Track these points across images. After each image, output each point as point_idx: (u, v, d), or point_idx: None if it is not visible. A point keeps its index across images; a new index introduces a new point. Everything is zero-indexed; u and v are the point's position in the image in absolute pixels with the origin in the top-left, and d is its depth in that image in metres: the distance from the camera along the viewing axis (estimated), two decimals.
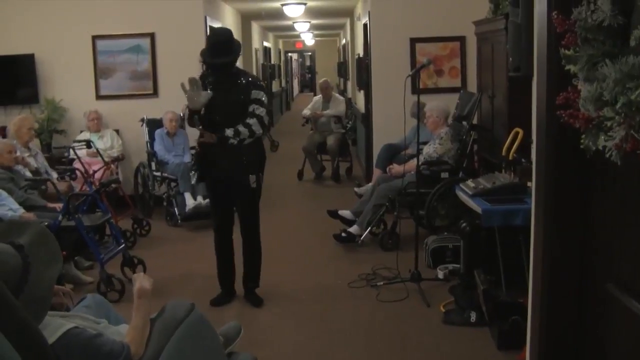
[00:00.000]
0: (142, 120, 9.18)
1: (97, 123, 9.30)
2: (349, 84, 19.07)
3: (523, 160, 5.29)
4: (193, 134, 9.41)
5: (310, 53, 39.66)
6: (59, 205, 6.59)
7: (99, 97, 9.75)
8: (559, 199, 3.08)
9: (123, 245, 6.57)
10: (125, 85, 9.77)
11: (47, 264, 2.74)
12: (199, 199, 8.62)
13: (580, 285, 3.13)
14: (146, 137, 9.19)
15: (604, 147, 2.29)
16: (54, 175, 7.61)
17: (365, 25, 10.90)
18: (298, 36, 28.97)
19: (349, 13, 16.66)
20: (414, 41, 9.39)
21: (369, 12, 9.87)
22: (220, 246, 5.98)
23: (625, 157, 2.20)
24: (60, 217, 6.08)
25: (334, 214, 7.95)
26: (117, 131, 9.61)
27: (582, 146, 2.45)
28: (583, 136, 2.44)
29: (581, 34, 2.41)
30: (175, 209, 8.69)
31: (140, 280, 3.25)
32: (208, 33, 5.68)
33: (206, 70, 5.80)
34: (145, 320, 3.08)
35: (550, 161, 3.07)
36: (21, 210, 6.12)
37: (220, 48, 5.58)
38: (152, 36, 9.68)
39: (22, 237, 2.72)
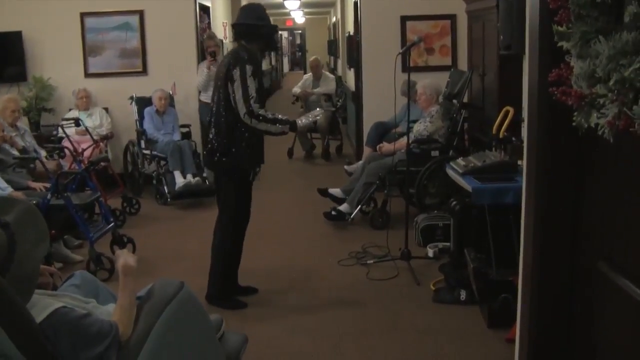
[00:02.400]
0: (132, 98, 9.13)
1: (86, 101, 9.25)
2: (339, 62, 19.01)
3: (513, 138, 5.29)
4: (183, 111, 9.43)
5: (300, 31, 39.51)
6: (41, 185, 6.55)
7: (87, 75, 9.68)
8: (550, 177, 3.07)
9: (112, 224, 6.55)
10: (114, 63, 9.72)
11: (34, 242, 2.70)
12: (189, 177, 8.61)
13: (571, 263, 3.12)
14: (135, 116, 9.16)
15: (596, 125, 2.27)
16: (43, 153, 7.56)
17: (355, 3, 10.84)
18: (288, 14, 28.84)
19: None
20: (404, 19, 9.36)
21: None
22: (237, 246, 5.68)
23: (618, 134, 2.18)
24: (49, 196, 6.05)
25: (324, 192, 7.95)
26: (106, 109, 9.56)
27: (574, 123, 2.43)
28: (575, 113, 2.42)
29: (574, 10, 2.38)
30: (165, 187, 8.67)
31: (124, 257, 3.20)
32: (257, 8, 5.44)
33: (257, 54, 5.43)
34: (132, 298, 3.05)
35: (541, 139, 3.06)
36: (10, 189, 6.09)
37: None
38: (141, 13, 9.61)
39: (8, 214, 2.68)
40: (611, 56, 2.13)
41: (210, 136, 5.34)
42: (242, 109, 5.07)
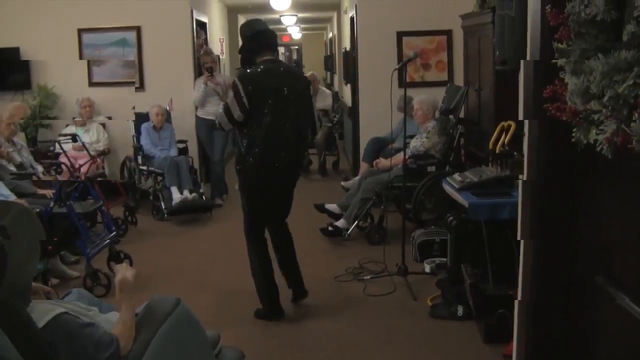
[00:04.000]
0: (134, 108, 9.17)
1: (89, 110, 9.29)
2: (336, 78, 19.05)
3: (515, 153, 5.29)
4: (180, 127, 9.45)
5: (297, 47, 39.57)
6: (49, 192, 6.57)
7: (91, 84, 9.80)
8: (547, 191, 3.08)
9: (114, 232, 6.58)
10: (117, 73, 9.80)
11: (26, 250, 2.69)
12: (186, 193, 8.60)
13: (569, 277, 3.13)
14: (132, 131, 9.17)
15: (595, 141, 2.29)
16: (40, 169, 7.57)
17: (352, 19, 10.88)
18: (285, 30, 28.87)
19: (336, 6, 16.63)
20: (400, 35, 9.40)
21: (355, 6, 9.86)
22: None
23: (616, 151, 2.20)
24: (52, 204, 6.05)
25: (320, 208, 7.94)
26: (103, 125, 9.58)
27: (573, 139, 2.45)
28: (574, 130, 2.44)
29: (574, 28, 2.40)
30: (162, 203, 8.66)
31: (123, 272, 3.20)
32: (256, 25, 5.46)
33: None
34: (132, 314, 3.05)
35: (539, 154, 3.07)
36: (13, 197, 6.10)
37: None
38: (138, 29, 9.67)
39: (3, 219, 2.67)
40: (605, 72, 2.14)
41: (285, 154, 5.31)
42: (317, 121, 5.63)
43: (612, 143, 2.16)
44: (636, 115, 2.03)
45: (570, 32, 2.44)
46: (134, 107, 9.19)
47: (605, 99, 2.16)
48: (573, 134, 2.45)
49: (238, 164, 5.36)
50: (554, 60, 2.56)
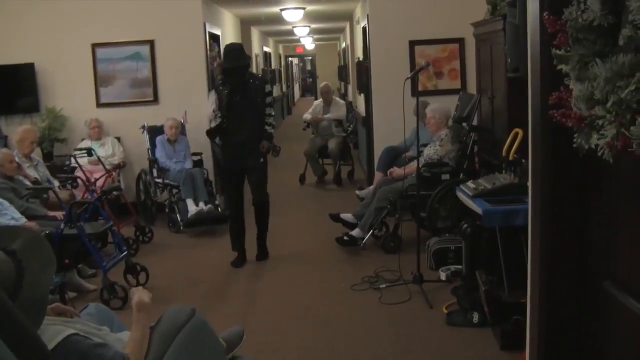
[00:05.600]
0: (143, 127, 9.20)
1: (98, 131, 9.32)
2: (350, 88, 19.07)
3: (523, 160, 5.30)
4: (194, 139, 9.48)
5: (310, 57, 39.69)
6: (59, 214, 6.61)
7: (99, 105, 9.78)
8: (555, 197, 3.09)
9: (126, 252, 6.58)
10: (125, 92, 9.80)
11: (41, 268, 2.72)
12: (201, 204, 8.63)
13: (578, 283, 3.13)
14: (147, 144, 9.22)
15: (596, 146, 2.30)
16: (56, 183, 7.62)
17: (364, 29, 10.91)
18: (298, 40, 29.03)
19: (348, 17, 16.66)
20: (413, 43, 9.41)
21: (367, 16, 9.88)
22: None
23: (617, 155, 2.21)
24: (62, 226, 6.09)
25: (335, 218, 7.96)
26: (118, 139, 9.63)
27: (575, 145, 2.46)
28: (576, 135, 2.45)
29: (572, 34, 2.42)
30: (178, 215, 8.70)
31: (139, 294, 3.24)
32: (224, 48, 7.26)
33: (224, 78, 7.08)
34: (144, 332, 3.07)
35: (545, 161, 3.08)
36: (23, 220, 6.14)
37: (236, 56, 6.95)
38: (151, 43, 9.71)
39: (14, 242, 2.71)
40: (608, 78, 2.16)
41: None
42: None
43: (613, 147, 2.17)
44: (638, 119, 2.05)
45: (568, 38, 2.46)
46: (143, 126, 9.22)
47: (609, 104, 2.17)
48: (574, 140, 2.46)
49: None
50: (559, 67, 2.57)
